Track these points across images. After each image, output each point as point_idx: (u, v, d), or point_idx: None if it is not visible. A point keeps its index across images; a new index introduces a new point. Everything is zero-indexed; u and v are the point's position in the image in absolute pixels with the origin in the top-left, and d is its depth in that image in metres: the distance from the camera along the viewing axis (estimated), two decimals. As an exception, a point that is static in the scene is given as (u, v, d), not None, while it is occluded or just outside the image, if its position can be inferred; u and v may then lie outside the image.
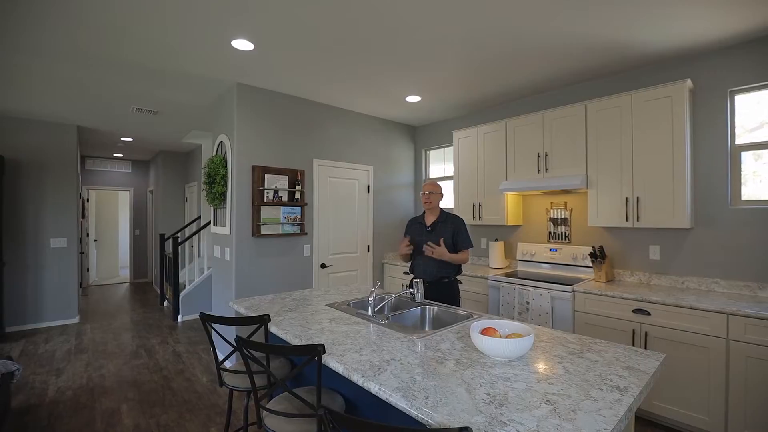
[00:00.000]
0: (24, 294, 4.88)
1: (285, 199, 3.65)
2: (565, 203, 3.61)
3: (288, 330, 1.76)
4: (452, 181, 4.29)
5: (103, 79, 3.40)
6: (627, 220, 2.92)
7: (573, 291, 2.91)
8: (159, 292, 6.41)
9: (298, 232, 3.74)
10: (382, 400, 1.45)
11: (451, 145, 4.61)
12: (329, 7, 2.24)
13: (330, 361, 1.40)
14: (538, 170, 3.45)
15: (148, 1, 2.17)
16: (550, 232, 3.71)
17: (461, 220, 2.76)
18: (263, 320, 1.80)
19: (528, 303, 3.12)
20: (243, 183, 3.45)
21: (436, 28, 2.48)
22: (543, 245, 3.69)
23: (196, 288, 5.40)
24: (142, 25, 2.43)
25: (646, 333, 2.55)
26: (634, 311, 2.60)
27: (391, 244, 4.80)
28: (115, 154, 7.79)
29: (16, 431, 2.49)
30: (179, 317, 5.28)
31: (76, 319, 5.21)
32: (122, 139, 6.21)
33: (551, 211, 3.71)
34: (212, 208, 3.93)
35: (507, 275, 3.42)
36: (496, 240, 4.08)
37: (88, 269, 8.01)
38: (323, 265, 4.04)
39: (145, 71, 3.21)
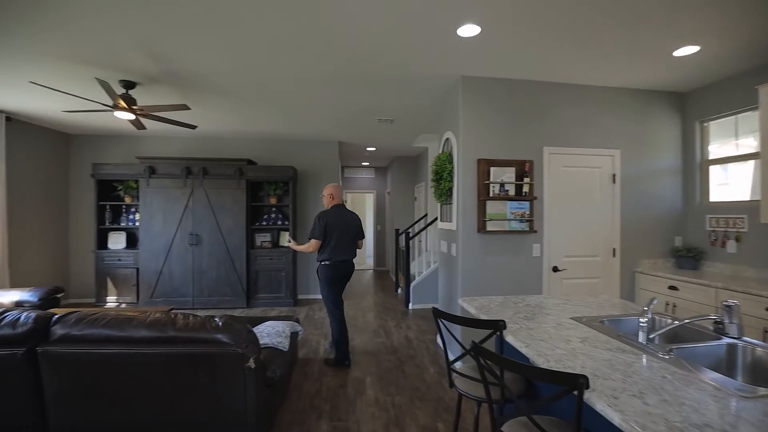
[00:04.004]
0: (307, 271, 6.47)
1: (512, 193, 3.36)
2: None
3: (528, 344, 1.49)
4: (754, 162, 2.90)
5: (355, 96, 4.03)
6: None
7: None
8: (394, 280, 7.29)
9: (527, 229, 3.37)
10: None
11: (750, 109, 3.16)
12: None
13: (595, 401, 1.04)
14: None
15: (384, 6, 2.34)
16: None
17: (320, 213, 3.54)
18: (498, 326, 1.60)
19: None
20: (468, 177, 3.38)
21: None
22: None
23: (423, 280, 5.80)
24: (376, 29, 2.67)
25: None
26: None
27: (646, 248, 3.74)
28: (363, 163, 9.42)
29: (300, 376, 3.23)
30: (410, 305, 5.80)
31: (337, 295, 6.52)
32: (367, 149, 7.39)
33: None
34: (439, 204, 4.06)
35: None
36: None
37: (344, 256, 10.02)
38: (555, 269, 3.51)
39: (383, 82, 3.59)
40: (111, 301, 5.69)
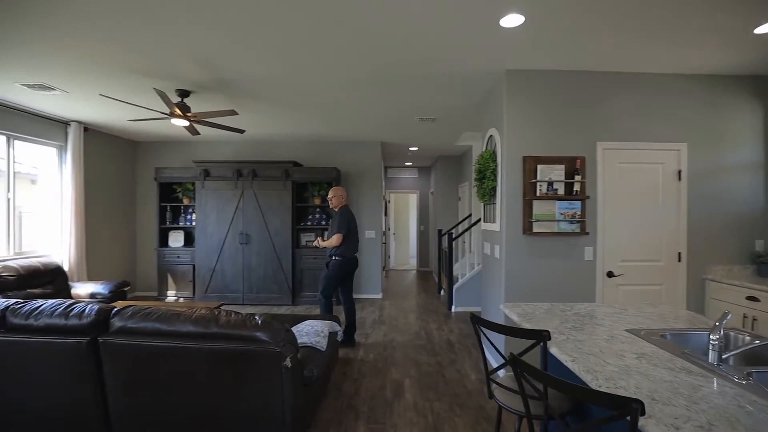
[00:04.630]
0: (350, 271, 6.56)
1: (561, 192, 3.15)
2: None
3: (575, 358, 1.36)
4: None
5: (395, 96, 4.00)
6: None
7: None
8: (437, 281, 7.17)
9: (578, 231, 3.14)
10: None
11: None
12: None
13: (652, 430, 0.92)
14: None
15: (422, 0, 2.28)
16: None
17: (338, 212, 3.91)
18: (542, 337, 1.48)
19: None
20: (513, 176, 3.21)
21: None
22: None
23: (466, 282, 5.64)
24: (415, 26, 2.61)
25: None
26: None
27: (719, 252, 3.33)
28: (406, 163, 9.37)
29: (340, 375, 3.26)
30: (452, 307, 5.66)
31: (380, 296, 6.54)
32: (410, 149, 7.33)
33: None
34: (482, 204, 3.91)
35: None
36: None
37: (389, 256, 10.04)
38: (610, 274, 3.24)
39: (423, 80, 3.51)
40: (171, 295, 6.13)
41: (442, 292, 6.77)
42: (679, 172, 3.29)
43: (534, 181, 3.14)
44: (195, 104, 4.16)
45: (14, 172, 4.58)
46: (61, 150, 5.16)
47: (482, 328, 1.69)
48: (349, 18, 2.43)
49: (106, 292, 4.52)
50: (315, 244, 4.15)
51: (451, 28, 2.53)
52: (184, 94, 3.86)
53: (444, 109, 4.48)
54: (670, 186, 3.29)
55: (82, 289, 4.58)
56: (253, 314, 2.09)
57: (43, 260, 4.51)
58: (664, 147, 3.28)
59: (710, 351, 1.32)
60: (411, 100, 4.17)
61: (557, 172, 3.14)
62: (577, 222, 3.15)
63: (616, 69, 3.22)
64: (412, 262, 10.58)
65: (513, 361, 1.19)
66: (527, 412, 1.24)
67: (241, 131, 4.47)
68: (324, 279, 3.94)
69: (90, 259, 5.47)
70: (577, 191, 3.14)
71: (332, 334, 2.91)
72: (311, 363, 2.23)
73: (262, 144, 6.51)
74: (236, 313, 2.10)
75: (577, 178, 3.13)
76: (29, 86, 3.74)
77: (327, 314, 3.79)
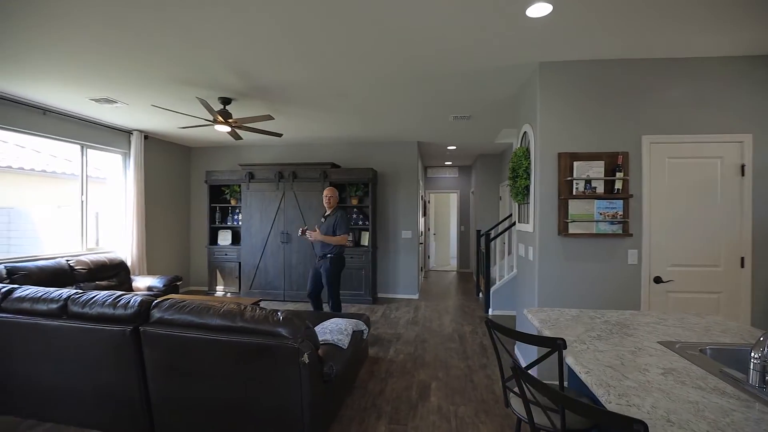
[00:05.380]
0: (387, 271, 6.58)
1: (600, 190, 2.94)
2: None
3: (590, 370, 1.27)
4: None
5: (427, 95, 3.96)
6: None
7: None
8: (476, 283, 6.99)
9: (620, 232, 2.92)
10: None
11: None
12: None
13: (655, 452, 0.84)
14: None
15: None
16: None
17: (342, 212, 4.13)
18: (556, 345, 1.40)
19: None
20: (547, 174, 3.05)
21: None
22: None
23: (505, 285, 5.44)
24: (439, 24, 2.57)
25: None
26: None
27: (796, 259, 2.93)
28: (445, 162, 9.23)
29: (368, 373, 3.29)
30: (490, 310, 5.49)
31: (416, 296, 6.50)
32: (448, 148, 7.20)
33: None
34: (516, 204, 3.76)
35: None
36: None
37: (429, 257, 9.96)
38: (658, 280, 2.97)
39: (453, 77, 3.44)
40: (219, 290, 6.53)
41: (480, 295, 6.58)
42: (743, 166, 2.94)
43: (570, 178, 2.95)
44: (237, 110, 4.40)
45: (87, 177, 5.12)
46: (125, 156, 5.69)
47: (497, 333, 1.63)
48: (378, 18, 2.43)
49: (161, 285, 4.92)
50: (309, 236, 4.04)
51: (475, 21, 2.46)
52: (225, 101, 4.10)
53: (478, 106, 4.36)
54: (730, 182, 2.94)
55: (141, 282, 5.03)
56: (276, 310, 2.18)
57: (110, 256, 5.01)
58: (723, 139, 2.94)
59: (751, 371, 1.17)
60: (444, 99, 4.10)
61: (596, 170, 2.93)
62: (619, 222, 2.92)
63: (664, 55, 2.93)
64: (453, 263, 10.40)
65: (515, 370, 1.13)
66: (530, 421, 1.18)
67: (279, 135, 4.65)
68: (329, 280, 4.08)
69: (149, 255, 5.98)
70: (618, 189, 2.92)
71: (357, 333, 2.94)
72: (332, 360, 2.27)
73: (301, 147, 6.74)
74: (261, 308, 2.20)
75: (619, 175, 2.90)
76: (96, 100, 4.17)
77: (354, 313, 3.87)
